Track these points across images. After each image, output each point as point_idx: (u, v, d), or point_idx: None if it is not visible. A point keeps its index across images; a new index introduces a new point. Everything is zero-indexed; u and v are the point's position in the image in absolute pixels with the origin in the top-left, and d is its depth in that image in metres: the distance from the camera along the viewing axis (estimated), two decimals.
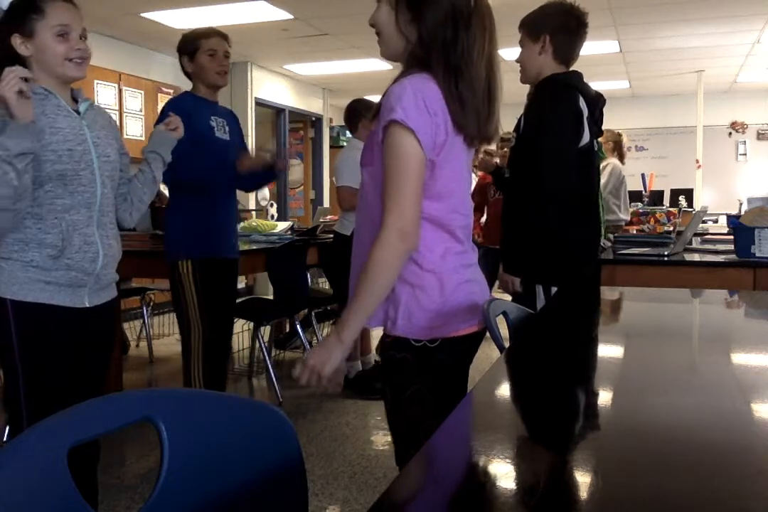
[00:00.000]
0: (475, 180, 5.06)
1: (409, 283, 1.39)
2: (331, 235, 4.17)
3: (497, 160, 4.66)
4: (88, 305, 1.86)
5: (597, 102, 2.41)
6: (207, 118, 2.77)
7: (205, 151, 2.73)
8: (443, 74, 1.35)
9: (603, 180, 5.46)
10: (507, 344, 1.49)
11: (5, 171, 1.62)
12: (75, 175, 1.79)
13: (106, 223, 1.89)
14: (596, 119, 2.42)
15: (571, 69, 2.41)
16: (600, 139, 4.09)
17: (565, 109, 2.30)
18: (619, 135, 5.57)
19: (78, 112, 1.85)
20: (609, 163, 5.57)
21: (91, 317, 1.88)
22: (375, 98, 4.47)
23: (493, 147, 4.61)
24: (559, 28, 2.32)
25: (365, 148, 1.45)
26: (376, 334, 4.13)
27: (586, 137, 2.32)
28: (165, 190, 4.49)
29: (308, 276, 4.29)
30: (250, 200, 7.47)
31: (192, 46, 2.76)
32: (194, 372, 2.82)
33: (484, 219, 5.14)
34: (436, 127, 1.34)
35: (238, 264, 3.03)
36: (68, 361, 1.84)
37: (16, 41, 1.77)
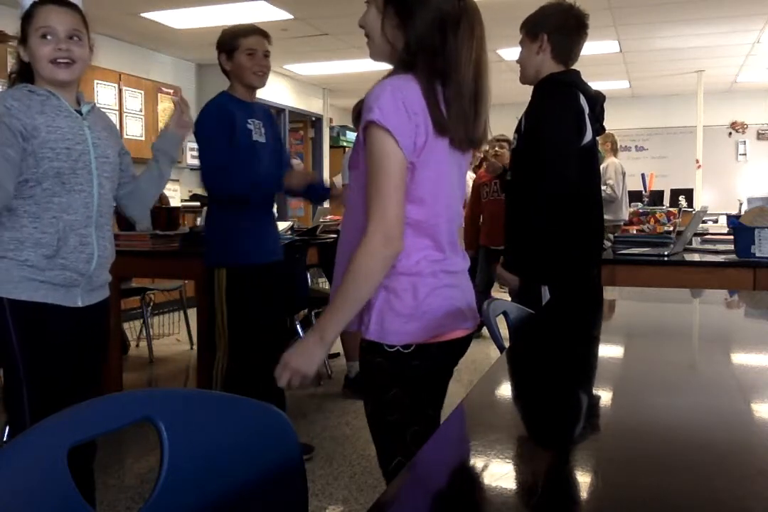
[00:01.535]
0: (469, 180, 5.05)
1: (382, 286, 1.36)
2: (332, 235, 4.18)
3: (493, 160, 4.68)
4: (80, 305, 1.87)
5: (597, 100, 2.41)
6: (244, 122, 2.70)
7: (244, 158, 2.67)
8: (427, 77, 1.34)
9: (611, 181, 5.47)
10: (507, 344, 1.49)
11: None
12: (72, 174, 1.80)
13: (102, 224, 1.90)
14: (597, 116, 2.42)
15: (569, 69, 2.41)
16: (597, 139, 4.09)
17: (566, 107, 2.30)
18: (612, 134, 5.61)
19: (80, 113, 1.86)
20: (610, 163, 5.58)
21: (84, 317, 1.89)
22: None
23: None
24: (557, 28, 2.32)
25: (353, 150, 1.43)
26: None
27: (588, 135, 2.32)
28: (165, 190, 4.48)
29: (308, 276, 4.29)
30: None
31: (230, 45, 2.68)
32: (215, 381, 2.77)
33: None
34: (415, 127, 1.31)
35: (283, 265, 2.96)
36: (68, 360, 1.85)
37: (20, 50, 1.82)
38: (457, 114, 1.36)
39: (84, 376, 1.93)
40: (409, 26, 1.35)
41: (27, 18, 1.79)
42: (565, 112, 2.29)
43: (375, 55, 1.45)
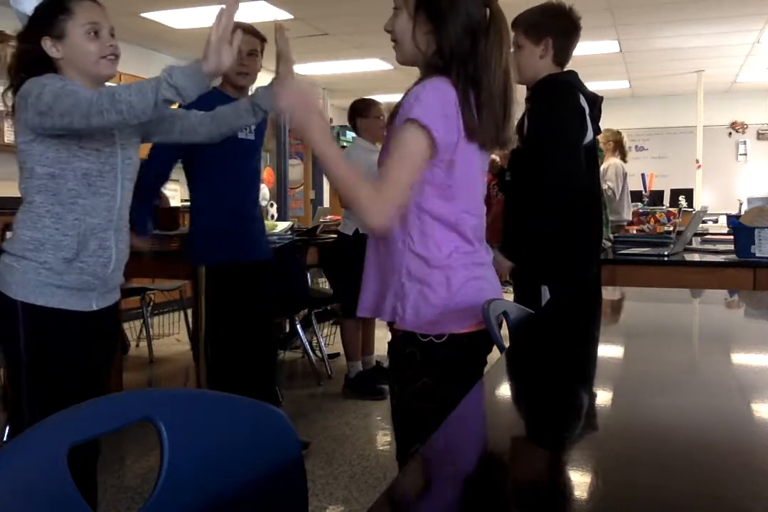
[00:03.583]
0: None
1: (417, 280, 1.43)
2: (332, 235, 4.17)
3: (497, 158, 4.67)
4: (95, 308, 1.85)
5: (595, 101, 2.42)
6: None
7: (227, 154, 2.61)
8: (462, 84, 1.39)
9: (611, 183, 5.46)
10: (507, 344, 1.49)
11: (153, 87, 1.52)
12: (99, 176, 1.77)
13: (121, 227, 1.87)
14: (595, 117, 2.43)
15: (566, 69, 2.41)
16: (599, 138, 4.08)
17: (569, 107, 2.30)
18: (619, 133, 5.54)
19: None
20: (611, 164, 5.53)
21: (96, 320, 1.87)
22: (375, 98, 4.46)
23: None
24: (561, 32, 2.33)
25: (383, 149, 1.49)
26: (380, 336, 4.12)
27: (589, 135, 2.33)
28: (165, 191, 4.48)
29: (308, 276, 4.29)
30: None
31: None
32: (198, 375, 2.78)
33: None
34: (450, 127, 1.37)
35: (271, 265, 2.93)
36: (74, 365, 1.82)
37: (47, 44, 1.73)
38: (488, 118, 1.41)
39: (94, 378, 1.91)
40: (442, 32, 1.40)
41: (63, 12, 1.73)
42: (569, 112, 2.30)
43: (403, 60, 1.51)
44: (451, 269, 1.43)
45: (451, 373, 1.46)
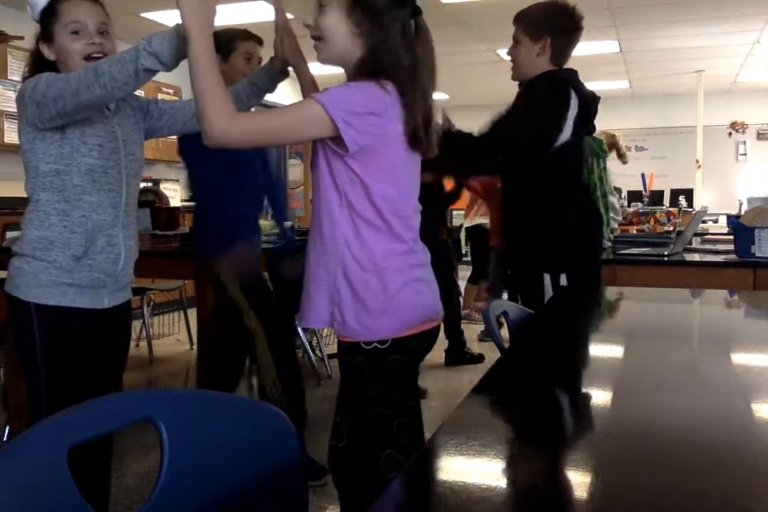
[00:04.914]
0: None
1: (351, 285, 1.42)
2: None
3: None
4: (107, 306, 1.84)
5: (592, 101, 2.40)
6: None
7: (235, 167, 2.53)
8: (399, 86, 1.38)
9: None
10: (507, 344, 1.49)
11: (131, 58, 1.50)
12: (103, 173, 1.76)
13: (129, 223, 1.86)
14: (589, 118, 2.41)
15: (567, 68, 2.40)
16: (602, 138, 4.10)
17: (556, 104, 2.28)
18: (614, 136, 5.54)
19: (108, 109, 1.81)
20: None
21: (110, 317, 1.86)
22: None
23: None
24: (560, 31, 2.31)
25: (312, 151, 1.48)
26: None
27: (564, 136, 2.28)
28: (165, 190, 4.49)
29: None
30: None
31: (227, 47, 2.57)
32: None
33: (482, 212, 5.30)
34: (363, 125, 1.35)
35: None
36: (91, 363, 1.82)
37: (44, 48, 1.75)
38: (415, 119, 1.40)
39: (108, 375, 1.90)
40: (379, 35, 1.39)
41: (51, 14, 1.73)
42: (553, 108, 2.27)
43: (328, 59, 1.48)
44: (386, 272, 1.42)
45: (400, 376, 1.47)
